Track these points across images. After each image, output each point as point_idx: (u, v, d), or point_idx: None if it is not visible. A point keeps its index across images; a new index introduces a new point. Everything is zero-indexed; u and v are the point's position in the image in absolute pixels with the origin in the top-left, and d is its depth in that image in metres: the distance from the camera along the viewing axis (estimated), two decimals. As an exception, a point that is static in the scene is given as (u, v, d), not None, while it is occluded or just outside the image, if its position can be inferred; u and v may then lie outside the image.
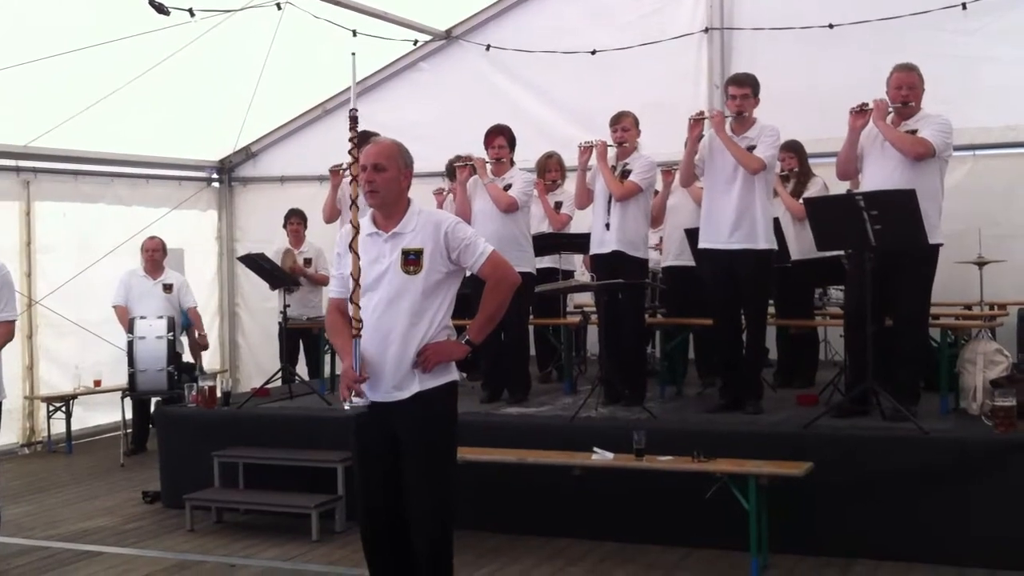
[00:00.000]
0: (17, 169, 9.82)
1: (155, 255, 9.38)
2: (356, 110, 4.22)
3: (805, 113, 8.43)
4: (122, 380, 9.14)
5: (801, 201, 7.31)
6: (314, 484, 6.87)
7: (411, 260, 4.18)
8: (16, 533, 6.86)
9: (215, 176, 12.04)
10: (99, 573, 6.05)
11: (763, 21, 9.44)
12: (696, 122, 6.78)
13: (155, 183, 11.22)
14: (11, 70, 7.95)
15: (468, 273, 4.40)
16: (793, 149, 8.01)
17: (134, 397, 9.11)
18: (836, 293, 7.71)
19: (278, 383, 8.42)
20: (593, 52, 9.86)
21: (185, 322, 9.43)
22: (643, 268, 7.26)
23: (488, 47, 10.46)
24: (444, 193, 8.93)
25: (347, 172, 7.40)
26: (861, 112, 6.31)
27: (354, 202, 4.22)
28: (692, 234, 7.19)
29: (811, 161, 8.16)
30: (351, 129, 4.20)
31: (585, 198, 7.42)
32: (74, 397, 9.85)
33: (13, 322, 6.06)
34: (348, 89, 4.30)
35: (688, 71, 9.86)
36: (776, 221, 6.96)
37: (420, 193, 4.42)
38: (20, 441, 9.89)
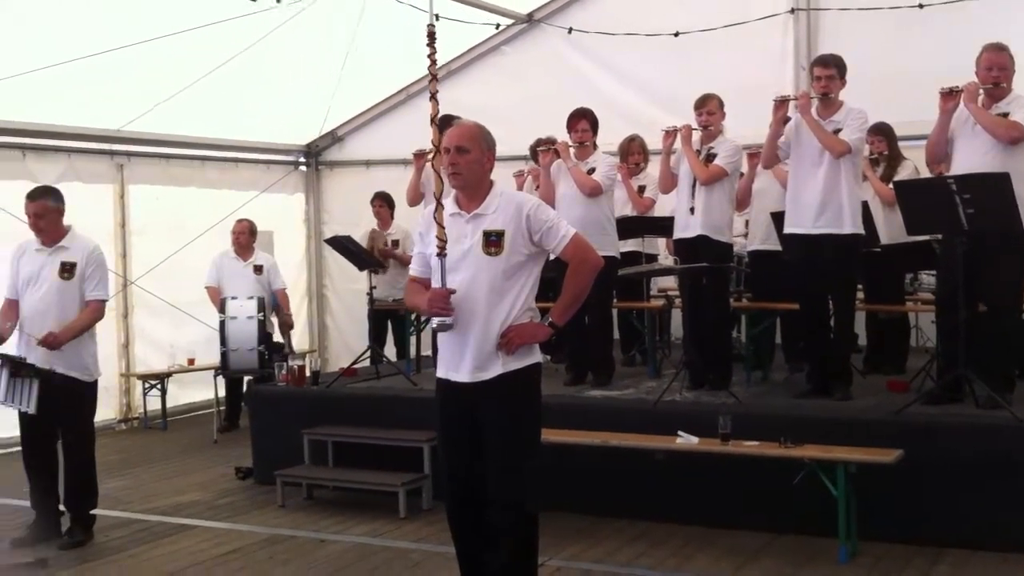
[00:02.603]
0: (111, 152, 10.10)
1: (241, 238, 9.52)
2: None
3: (894, 95, 8.24)
4: (215, 359, 9.34)
5: (891, 185, 7.18)
6: (401, 462, 6.96)
7: (492, 242, 4.20)
8: (114, 506, 7.08)
9: (302, 160, 12.25)
10: (192, 546, 6.23)
11: (850, 1, 9.25)
12: (780, 103, 6.71)
13: (244, 167, 11.46)
14: (105, 56, 8.15)
15: (552, 256, 4.42)
16: (882, 132, 7.86)
17: (226, 376, 9.33)
18: (927, 278, 7.56)
19: (366, 363, 8.52)
20: (676, 34, 9.75)
21: (274, 302, 9.57)
22: (727, 252, 7.20)
23: (570, 30, 10.43)
24: (524, 175, 8.96)
25: (431, 157, 7.48)
26: (951, 94, 6.15)
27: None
28: (778, 218, 7.11)
29: (901, 144, 7.99)
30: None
31: (669, 182, 7.38)
32: (168, 375, 10.14)
33: (104, 302, 6.28)
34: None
35: (774, 53, 9.73)
36: (865, 205, 6.84)
37: (502, 176, 4.44)
38: (117, 417, 10.20)
